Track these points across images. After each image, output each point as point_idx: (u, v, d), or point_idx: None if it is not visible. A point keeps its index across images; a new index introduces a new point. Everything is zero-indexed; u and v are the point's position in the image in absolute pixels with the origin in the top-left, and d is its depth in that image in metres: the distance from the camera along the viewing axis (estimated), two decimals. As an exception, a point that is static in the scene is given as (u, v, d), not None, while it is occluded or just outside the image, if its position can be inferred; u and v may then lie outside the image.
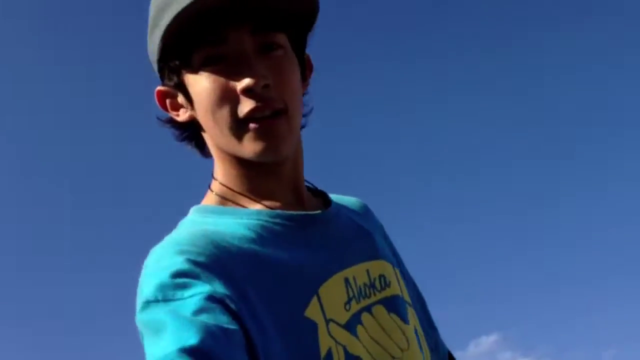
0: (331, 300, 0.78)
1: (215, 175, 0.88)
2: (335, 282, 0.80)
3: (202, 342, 0.61)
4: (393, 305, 0.86)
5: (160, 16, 0.77)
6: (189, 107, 0.84)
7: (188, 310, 0.65)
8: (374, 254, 0.90)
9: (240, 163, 0.83)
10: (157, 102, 0.87)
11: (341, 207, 0.95)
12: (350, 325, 0.78)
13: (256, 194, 0.85)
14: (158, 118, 0.89)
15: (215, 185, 0.87)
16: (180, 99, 0.85)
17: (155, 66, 0.85)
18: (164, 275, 0.69)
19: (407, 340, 0.85)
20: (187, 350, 0.61)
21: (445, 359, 1.04)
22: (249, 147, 0.78)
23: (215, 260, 0.72)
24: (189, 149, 0.90)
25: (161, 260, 0.72)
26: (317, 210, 0.87)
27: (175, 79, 0.83)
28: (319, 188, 0.96)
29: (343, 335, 0.77)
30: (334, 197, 0.96)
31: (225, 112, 0.78)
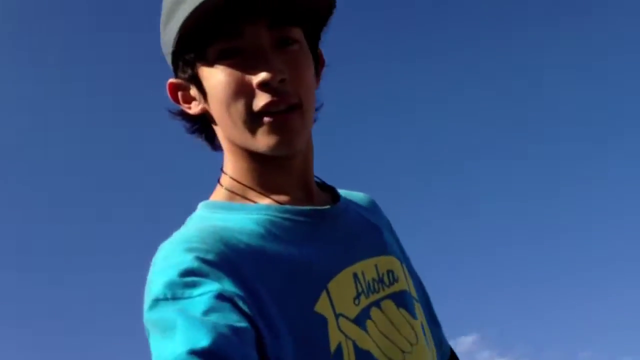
0: (340, 295, 0.78)
1: (225, 169, 0.88)
2: (345, 277, 0.80)
3: (213, 343, 0.61)
4: (401, 300, 0.87)
5: (176, 8, 0.77)
6: (202, 100, 0.84)
7: (198, 310, 0.65)
8: (382, 249, 0.90)
9: (252, 157, 0.83)
10: (168, 95, 0.87)
11: (350, 202, 0.95)
12: (360, 320, 0.78)
13: (266, 188, 0.85)
14: (169, 110, 0.89)
15: (224, 179, 0.87)
16: (193, 91, 0.85)
17: (169, 58, 0.85)
18: (172, 273, 0.69)
19: (416, 335, 0.85)
20: (198, 352, 0.61)
21: (448, 355, 1.05)
22: (263, 140, 0.78)
23: (224, 258, 0.72)
24: (199, 142, 0.90)
25: (170, 258, 0.72)
26: (326, 205, 0.87)
27: (189, 71, 0.83)
28: (328, 183, 0.96)
29: (353, 330, 0.77)
30: (342, 192, 0.96)
31: (240, 105, 0.78)
